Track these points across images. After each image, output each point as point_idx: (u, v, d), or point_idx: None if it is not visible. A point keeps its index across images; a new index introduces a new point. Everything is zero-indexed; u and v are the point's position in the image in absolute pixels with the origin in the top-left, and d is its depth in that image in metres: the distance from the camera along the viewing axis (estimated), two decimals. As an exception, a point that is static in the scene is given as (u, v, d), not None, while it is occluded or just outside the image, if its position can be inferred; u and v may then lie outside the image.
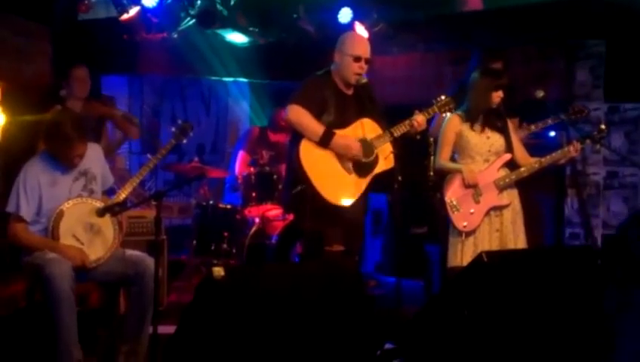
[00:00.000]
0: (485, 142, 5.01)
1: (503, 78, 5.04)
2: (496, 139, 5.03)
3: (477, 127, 5.02)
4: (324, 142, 4.52)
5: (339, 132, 4.57)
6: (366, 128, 4.67)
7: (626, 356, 3.60)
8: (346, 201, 4.57)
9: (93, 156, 4.48)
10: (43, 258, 4.09)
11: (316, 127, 4.53)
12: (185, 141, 4.95)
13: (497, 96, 4.97)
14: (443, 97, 4.85)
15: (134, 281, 4.25)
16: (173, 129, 4.92)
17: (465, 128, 5.02)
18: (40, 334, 4.13)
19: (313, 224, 4.60)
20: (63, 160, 4.30)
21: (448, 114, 4.94)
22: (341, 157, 4.58)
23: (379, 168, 4.68)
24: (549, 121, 5.63)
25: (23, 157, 4.85)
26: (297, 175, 4.53)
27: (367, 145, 4.62)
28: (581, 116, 5.62)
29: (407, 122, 4.67)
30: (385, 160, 4.68)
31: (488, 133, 5.03)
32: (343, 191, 4.57)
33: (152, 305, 4.09)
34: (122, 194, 4.50)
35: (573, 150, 4.98)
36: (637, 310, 2.51)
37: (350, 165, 4.60)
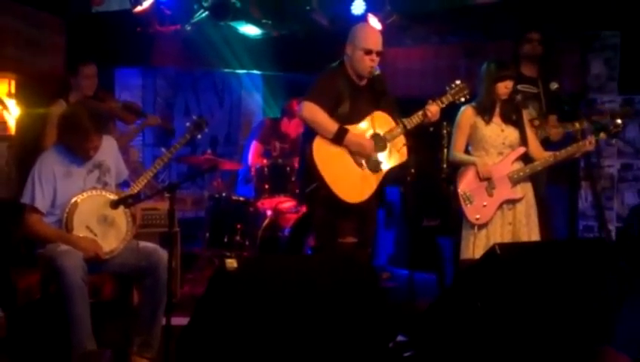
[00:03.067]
0: (499, 135, 4.97)
1: (510, 69, 4.97)
2: (510, 132, 4.98)
3: (491, 119, 4.97)
4: (338, 139, 4.51)
5: (352, 127, 4.56)
6: (379, 122, 4.66)
7: (622, 343, 3.58)
8: (360, 198, 4.56)
9: (108, 148, 4.50)
10: (55, 250, 4.11)
11: (330, 125, 4.52)
12: (199, 136, 4.98)
13: (504, 87, 4.89)
14: (457, 82, 4.81)
15: (148, 273, 4.26)
16: (188, 124, 4.94)
17: (478, 120, 4.97)
18: (54, 325, 4.15)
19: (326, 217, 4.60)
20: (79, 152, 4.32)
21: (462, 99, 4.89)
22: (354, 153, 4.57)
23: (392, 163, 4.67)
24: (577, 125, 5.52)
25: (37, 149, 4.89)
26: (311, 173, 4.54)
27: (380, 141, 4.61)
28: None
29: (420, 113, 4.66)
30: (398, 153, 4.67)
31: (502, 125, 4.98)
32: (357, 188, 4.56)
33: (165, 296, 4.10)
34: (136, 188, 4.52)
35: (588, 144, 4.93)
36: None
37: (363, 161, 4.59)
